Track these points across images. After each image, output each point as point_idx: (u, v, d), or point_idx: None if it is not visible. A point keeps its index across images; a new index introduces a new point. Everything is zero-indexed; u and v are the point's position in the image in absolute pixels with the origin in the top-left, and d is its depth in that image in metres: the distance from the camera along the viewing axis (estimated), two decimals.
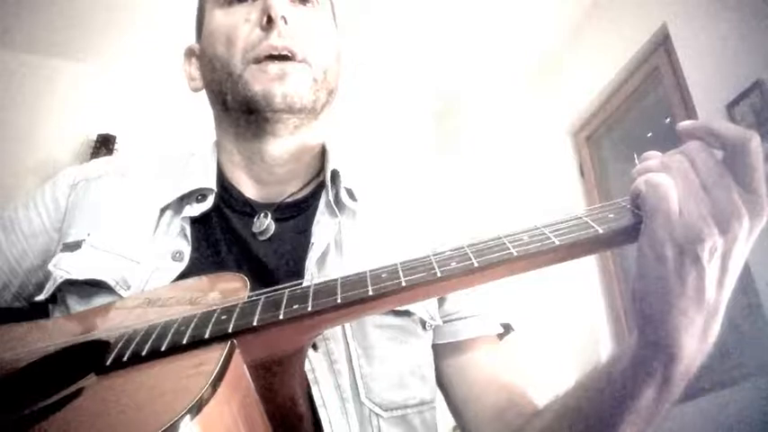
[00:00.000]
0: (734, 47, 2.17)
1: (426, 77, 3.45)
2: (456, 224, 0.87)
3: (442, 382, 0.78)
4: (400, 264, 0.52)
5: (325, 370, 0.65)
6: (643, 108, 2.80)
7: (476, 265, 0.48)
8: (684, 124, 0.50)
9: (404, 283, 0.49)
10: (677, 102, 2.47)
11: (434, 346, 0.76)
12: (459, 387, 0.76)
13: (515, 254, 0.48)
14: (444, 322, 0.77)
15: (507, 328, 0.81)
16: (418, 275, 0.49)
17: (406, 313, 0.72)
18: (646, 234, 0.47)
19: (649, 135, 2.88)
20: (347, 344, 0.67)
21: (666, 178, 0.47)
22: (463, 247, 0.51)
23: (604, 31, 2.87)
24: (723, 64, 2.21)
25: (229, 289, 0.59)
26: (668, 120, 2.60)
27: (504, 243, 0.50)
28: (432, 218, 0.86)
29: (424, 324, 0.74)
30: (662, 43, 2.57)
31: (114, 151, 2.90)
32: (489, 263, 0.48)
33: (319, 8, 0.84)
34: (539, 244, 0.49)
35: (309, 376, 0.63)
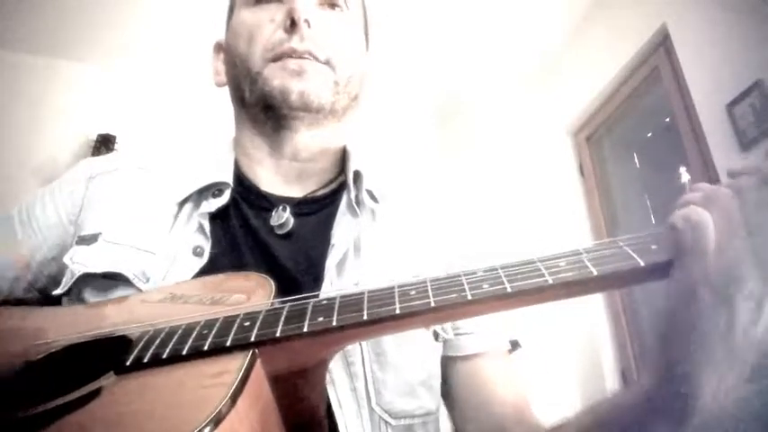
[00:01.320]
0: (734, 47, 2.17)
1: (427, 78, 3.44)
2: (462, 226, 0.88)
3: (446, 394, 0.78)
4: (430, 281, 0.50)
5: (342, 371, 0.65)
6: (643, 108, 2.81)
7: (509, 290, 0.47)
8: (734, 167, 0.48)
9: (433, 304, 0.47)
10: (677, 102, 2.47)
11: (442, 358, 0.76)
12: (464, 400, 0.76)
13: (551, 282, 0.46)
14: (454, 335, 0.77)
15: (515, 345, 0.81)
16: (448, 297, 0.48)
17: None
18: (677, 272, 0.45)
19: (649, 135, 2.89)
20: (362, 347, 0.67)
21: (705, 215, 0.44)
22: (496, 270, 0.49)
23: (604, 31, 2.87)
24: (723, 64, 2.21)
25: (254, 291, 0.58)
26: (668, 120, 2.60)
27: (540, 268, 0.48)
28: (447, 223, 0.86)
29: (436, 336, 0.74)
30: (662, 43, 2.57)
31: (114, 151, 2.89)
32: (523, 289, 0.46)
33: (348, 15, 0.83)
34: (575, 272, 0.46)
35: (326, 377, 0.62)
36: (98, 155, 2.82)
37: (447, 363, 0.77)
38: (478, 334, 0.77)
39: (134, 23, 2.90)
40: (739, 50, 2.15)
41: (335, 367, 0.64)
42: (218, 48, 0.89)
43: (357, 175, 0.81)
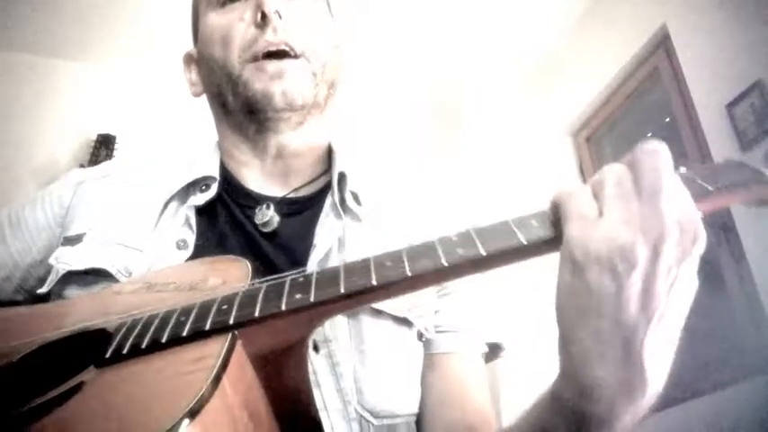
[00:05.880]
0: (734, 47, 2.17)
1: (426, 78, 3.45)
2: (459, 225, 0.86)
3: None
4: (405, 250, 0.49)
5: (327, 373, 0.64)
6: (643, 108, 2.81)
7: (483, 254, 0.46)
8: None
9: (409, 273, 0.47)
10: (677, 102, 2.47)
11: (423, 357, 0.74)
12: (422, 399, 0.72)
13: (524, 242, 0.46)
14: (435, 333, 0.74)
15: (497, 348, 0.79)
16: (423, 263, 0.47)
17: (406, 323, 0.70)
18: (563, 241, 0.44)
19: (649, 135, 2.89)
20: (348, 345, 0.66)
21: (579, 185, 0.44)
22: (470, 233, 0.48)
23: (604, 31, 2.87)
24: (723, 64, 2.21)
25: (230, 274, 0.58)
26: (668, 120, 2.60)
27: (513, 229, 0.47)
28: (437, 225, 0.85)
29: (420, 336, 0.73)
30: (662, 43, 2.58)
31: (114, 151, 2.90)
32: (497, 251, 0.46)
33: None
34: (548, 230, 0.46)
35: (311, 378, 0.61)
36: (98, 155, 2.83)
37: (423, 361, 0.74)
38: (448, 333, 0.75)
39: (134, 23, 2.91)
40: (739, 50, 2.15)
41: (321, 369, 0.63)
42: (189, 59, 0.87)
43: (342, 176, 0.80)
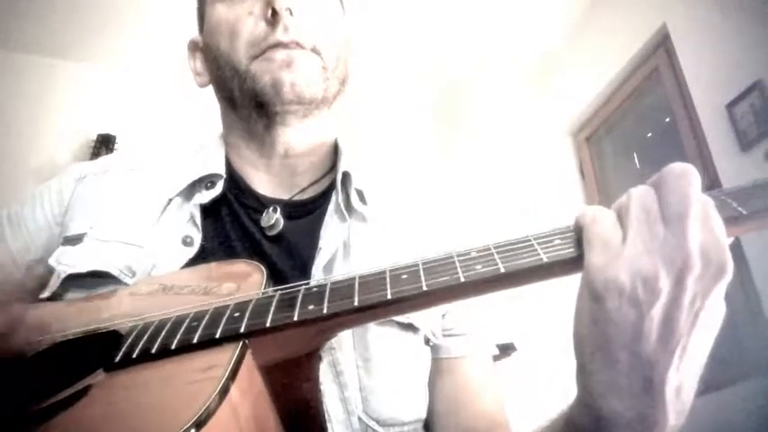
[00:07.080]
0: (734, 47, 2.17)
1: (426, 77, 3.44)
2: (460, 226, 0.86)
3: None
4: (422, 263, 0.48)
5: (330, 381, 0.63)
6: (643, 108, 2.81)
7: (502, 270, 0.44)
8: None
9: (425, 288, 0.46)
10: (677, 102, 2.47)
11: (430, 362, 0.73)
12: (439, 405, 0.71)
13: (545, 260, 0.44)
14: (443, 337, 0.74)
15: (508, 348, 0.78)
16: (440, 279, 0.46)
17: (411, 328, 0.69)
18: (584, 267, 0.42)
19: (649, 135, 2.89)
20: (352, 355, 0.65)
21: (603, 208, 0.42)
22: (489, 249, 0.47)
23: (604, 31, 2.87)
24: (723, 64, 2.21)
25: (245, 280, 0.57)
26: (668, 120, 2.60)
27: (534, 246, 0.45)
28: (442, 225, 0.84)
29: (427, 341, 0.71)
30: (662, 43, 2.58)
31: (114, 151, 2.89)
32: (517, 269, 0.44)
33: None
34: (571, 249, 0.44)
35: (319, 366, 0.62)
36: (98, 155, 2.82)
37: (432, 366, 0.74)
38: (458, 337, 0.74)
39: (134, 24, 2.90)
40: (739, 50, 2.15)
41: (324, 378, 0.62)
42: (194, 47, 0.84)
43: (345, 176, 0.78)
